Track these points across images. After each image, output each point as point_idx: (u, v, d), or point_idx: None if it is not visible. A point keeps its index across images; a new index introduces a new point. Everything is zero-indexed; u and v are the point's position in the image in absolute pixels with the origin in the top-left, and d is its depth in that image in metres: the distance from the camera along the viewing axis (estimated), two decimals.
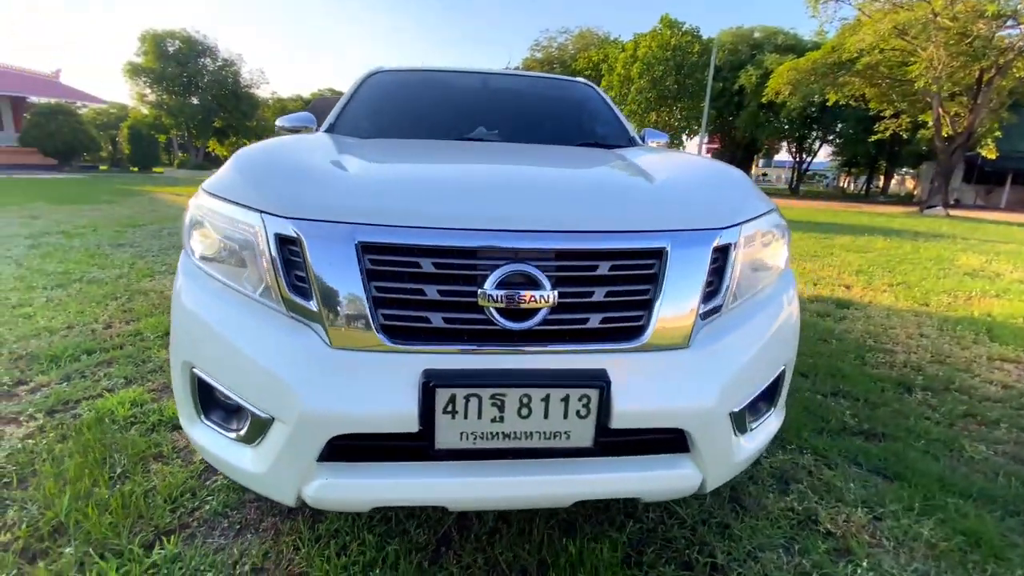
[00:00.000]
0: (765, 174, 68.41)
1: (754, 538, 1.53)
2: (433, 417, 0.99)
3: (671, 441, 1.12)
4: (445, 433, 1.01)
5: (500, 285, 1.03)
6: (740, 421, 1.21)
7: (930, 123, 18.93)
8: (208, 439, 1.19)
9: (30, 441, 1.90)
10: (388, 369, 1.02)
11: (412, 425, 1.00)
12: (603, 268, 1.08)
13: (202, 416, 1.20)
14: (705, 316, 1.14)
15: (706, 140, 39.56)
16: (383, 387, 1.00)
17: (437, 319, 1.04)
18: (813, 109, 28.15)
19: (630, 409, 1.04)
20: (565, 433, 1.03)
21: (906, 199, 32.75)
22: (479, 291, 1.02)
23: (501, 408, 1.01)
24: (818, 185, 56.37)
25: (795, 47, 28.43)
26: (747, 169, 45.33)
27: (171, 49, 30.52)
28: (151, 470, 1.76)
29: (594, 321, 1.07)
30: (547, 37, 37.34)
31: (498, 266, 1.04)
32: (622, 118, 2.57)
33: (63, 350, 2.67)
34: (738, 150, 35.33)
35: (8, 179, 16.33)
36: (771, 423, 1.35)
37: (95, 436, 1.90)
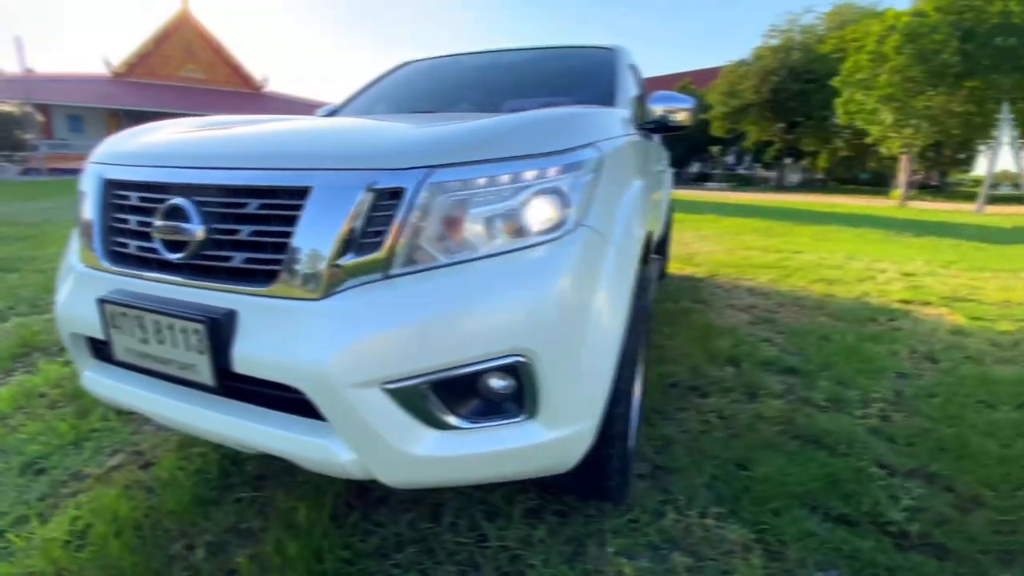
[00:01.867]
0: None
1: None
2: (109, 329, 1.15)
3: (307, 404, 1.00)
4: (116, 345, 1.16)
5: (165, 216, 1.10)
6: (421, 409, 1.00)
7: None
8: None
9: None
10: (100, 285, 1.19)
11: (102, 333, 1.18)
12: (252, 206, 1.05)
13: None
14: (358, 270, 0.99)
15: None
16: (94, 300, 1.17)
17: (132, 246, 1.18)
18: None
19: (248, 355, 1.01)
20: (192, 366, 1.05)
21: None
22: (153, 223, 1.12)
23: (144, 330, 1.10)
24: None
25: None
26: None
27: None
28: None
29: (237, 260, 1.05)
30: (788, 19, 29.25)
31: (168, 200, 1.11)
32: (620, 83, 2.23)
33: None
34: None
35: None
36: (521, 434, 1.05)
37: None
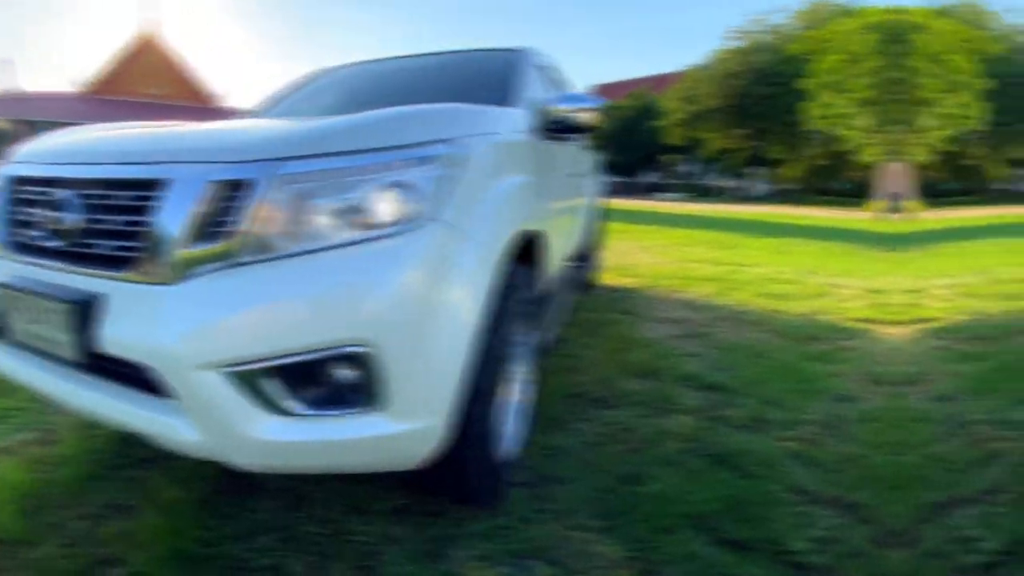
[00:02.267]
0: None
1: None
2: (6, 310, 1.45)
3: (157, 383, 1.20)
4: (12, 325, 1.46)
5: (51, 208, 1.37)
6: (260, 393, 1.16)
7: None
8: None
9: None
10: (5, 272, 1.47)
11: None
12: (117, 198, 1.29)
13: None
14: (206, 257, 1.17)
15: None
16: None
17: (28, 235, 1.45)
18: None
19: (109, 335, 1.22)
20: (62, 344, 1.29)
21: None
22: (42, 213, 1.40)
23: (29, 311, 1.37)
24: None
25: None
26: None
27: None
28: None
29: (105, 247, 1.28)
30: (754, 20, 29.93)
31: (54, 192, 1.38)
32: (519, 84, 2.53)
33: None
34: None
35: None
36: (363, 424, 1.22)
37: None
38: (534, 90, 2.57)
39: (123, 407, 1.27)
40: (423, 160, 1.31)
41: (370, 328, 1.17)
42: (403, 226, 1.24)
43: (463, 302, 1.33)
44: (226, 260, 1.17)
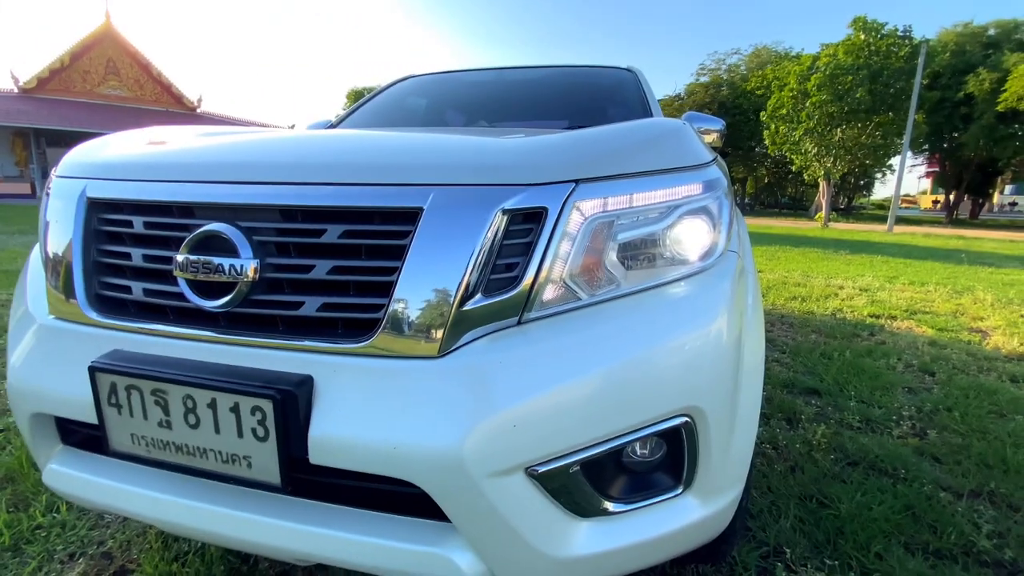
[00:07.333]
0: (1015, 203, 63.93)
1: None
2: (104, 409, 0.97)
3: (405, 500, 0.95)
4: (114, 431, 0.96)
5: (195, 248, 0.95)
6: (572, 495, 0.92)
7: None
8: None
9: None
10: (86, 346, 0.99)
11: (92, 415, 0.97)
12: (333, 233, 0.94)
13: None
14: (488, 315, 0.95)
15: (918, 161, 36.88)
16: (75, 367, 0.97)
17: (138, 290, 1.01)
18: None
19: (332, 438, 0.86)
20: (245, 458, 0.89)
21: None
22: (176, 257, 0.96)
23: (166, 409, 0.92)
24: None
25: None
26: (986, 196, 39.33)
27: None
28: None
29: (311, 306, 0.94)
30: (715, 59, 39.65)
31: (199, 225, 0.97)
32: (648, 103, 2.42)
33: None
34: (967, 172, 32.39)
35: None
36: (679, 510, 1.00)
37: None
38: (659, 112, 2.34)
39: (346, 539, 0.88)
40: (713, 183, 1.07)
41: (699, 391, 0.92)
42: (710, 260, 1.01)
43: (758, 345, 1.11)
44: (510, 317, 0.87)
